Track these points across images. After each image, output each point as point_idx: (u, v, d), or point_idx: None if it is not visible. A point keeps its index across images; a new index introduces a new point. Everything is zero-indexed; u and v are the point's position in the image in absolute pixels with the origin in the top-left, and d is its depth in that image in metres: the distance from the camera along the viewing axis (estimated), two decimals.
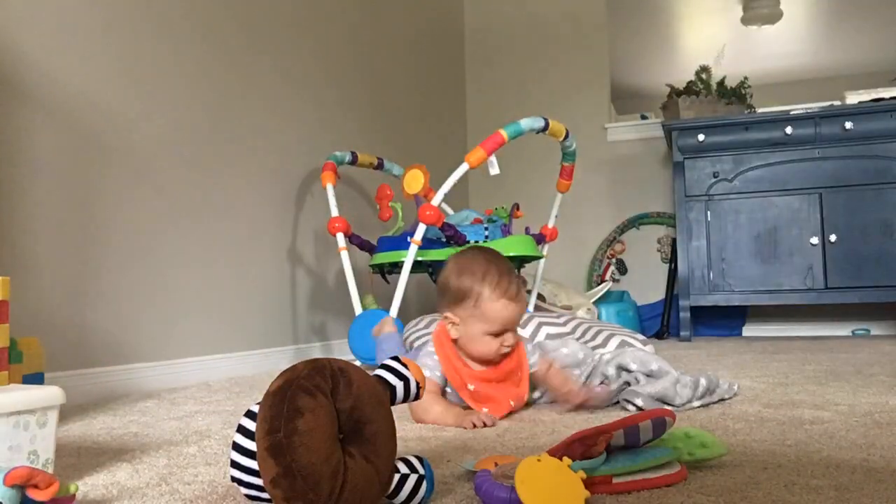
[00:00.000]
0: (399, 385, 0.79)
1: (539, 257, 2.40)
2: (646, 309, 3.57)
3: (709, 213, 3.17)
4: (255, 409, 0.73)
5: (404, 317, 2.14)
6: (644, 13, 4.81)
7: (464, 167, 2.00)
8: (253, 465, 0.72)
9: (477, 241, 2.15)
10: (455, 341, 1.29)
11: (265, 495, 0.73)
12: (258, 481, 0.72)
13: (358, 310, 2.14)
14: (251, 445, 0.72)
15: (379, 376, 0.78)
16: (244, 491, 0.75)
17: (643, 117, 3.98)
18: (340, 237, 2.22)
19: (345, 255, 2.20)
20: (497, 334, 1.26)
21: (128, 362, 1.82)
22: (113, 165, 1.83)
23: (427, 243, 2.10)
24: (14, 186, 1.59)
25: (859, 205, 3.00)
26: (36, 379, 1.31)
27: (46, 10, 1.68)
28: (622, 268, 3.77)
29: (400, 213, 2.41)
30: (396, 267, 2.28)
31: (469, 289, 1.25)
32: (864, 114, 2.99)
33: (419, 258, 2.09)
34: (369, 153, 2.72)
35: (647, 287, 3.68)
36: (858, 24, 4.98)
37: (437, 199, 2.01)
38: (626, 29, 4.90)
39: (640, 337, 1.99)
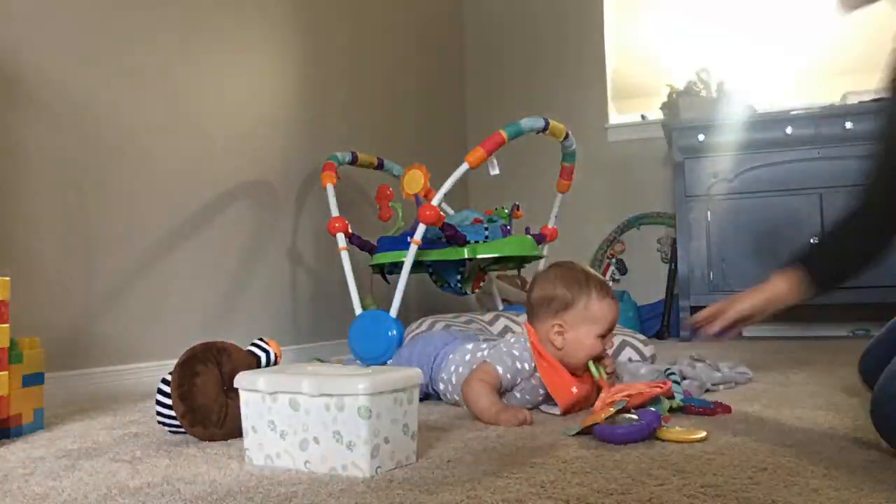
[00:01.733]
0: (263, 355, 1.24)
1: (540, 257, 2.40)
2: (646, 309, 3.57)
3: (709, 213, 3.17)
4: (168, 377, 1.15)
5: (404, 318, 2.13)
6: (644, 13, 4.80)
7: (464, 167, 1.99)
8: (170, 410, 1.14)
9: (477, 241, 2.15)
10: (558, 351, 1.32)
11: (180, 427, 1.14)
12: (174, 420, 1.14)
13: (358, 310, 2.14)
14: (168, 401, 1.14)
15: (250, 351, 1.23)
16: (166, 428, 1.18)
17: (643, 117, 3.98)
18: (341, 237, 2.22)
19: (345, 256, 2.20)
20: (603, 335, 1.31)
21: (128, 362, 1.82)
22: (113, 165, 1.83)
23: (427, 243, 2.09)
24: (14, 186, 1.59)
25: None
26: (36, 379, 1.31)
27: (46, 11, 1.68)
28: (622, 268, 3.77)
29: (400, 214, 2.41)
30: (396, 267, 2.28)
31: (578, 293, 1.31)
32: (864, 114, 2.99)
33: (419, 258, 2.08)
34: (369, 153, 2.72)
35: (647, 287, 3.68)
36: (859, 22, 4.98)
37: (436, 199, 2.00)
38: (627, 28, 4.89)
39: (641, 337, 1.99)
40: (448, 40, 3.97)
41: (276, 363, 1.24)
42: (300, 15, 2.59)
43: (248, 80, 2.33)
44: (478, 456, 0.97)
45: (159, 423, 1.18)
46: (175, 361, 1.16)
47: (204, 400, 1.11)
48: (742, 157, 3.14)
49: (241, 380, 0.98)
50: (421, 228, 2.00)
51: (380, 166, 2.65)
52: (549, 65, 3.96)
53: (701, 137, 3.16)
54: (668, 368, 1.51)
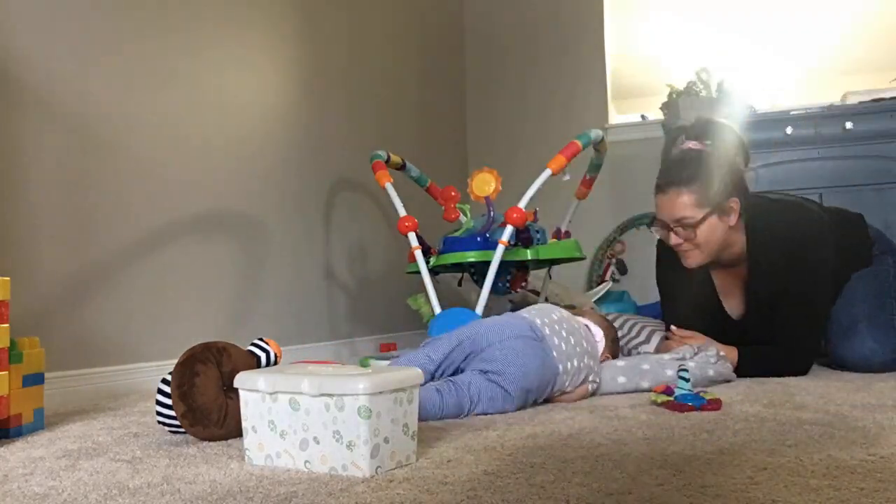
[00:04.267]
0: (263, 355, 1.24)
1: (582, 258, 2.52)
2: (646, 309, 3.56)
3: None
4: (168, 377, 1.16)
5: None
6: (644, 13, 4.80)
7: (547, 173, 2.07)
8: (170, 410, 1.15)
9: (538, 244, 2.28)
10: None
11: (180, 427, 1.15)
12: (174, 420, 1.15)
13: (438, 309, 2.10)
14: (168, 400, 1.15)
15: (250, 350, 1.24)
16: (167, 428, 1.18)
17: (643, 117, 3.97)
18: (412, 236, 2.17)
19: (419, 255, 2.15)
20: None
21: (128, 362, 1.82)
22: (113, 165, 1.83)
23: (464, 244, 2.17)
24: (14, 186, 1.59)
25: (859, 205, 2.98)
26: (36, 379, 1.31)
27: (46, 10, 1.68)
28: (622, 268, 3.77)
29: (468, 215, 2.38)
30: (446, 268, 2.34)
31: None
32: (864, 114, 2.99)
33: (473, 259, 2.17)
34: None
35: (647, 287, 3.66)
36: (859, 22, 4.98)
37: (523, 203, 2.06)
38: (627, 28, 4.89)
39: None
40: (448, 41, 3.97)
41: (276, 363, 1.25)
42: (301, 16, 2.59)
43: (249, 80, 2.33)
44: (478, 456, 0.97)
45: (159, 423, 1.18)
46: (175, 361, 1.16)
47: (204, 400, 1.12)
48: None
49: (241, 380, 0.98)
50: (509, 230, 2.05)
51: (402, 167, 2.63)
52: (550, 65, 3.96)
53: None
54: (682, 366, 1.51)
